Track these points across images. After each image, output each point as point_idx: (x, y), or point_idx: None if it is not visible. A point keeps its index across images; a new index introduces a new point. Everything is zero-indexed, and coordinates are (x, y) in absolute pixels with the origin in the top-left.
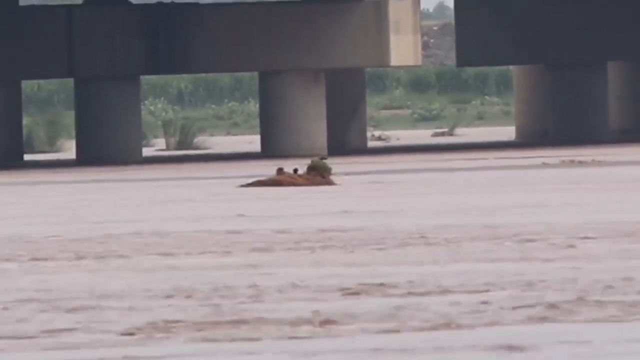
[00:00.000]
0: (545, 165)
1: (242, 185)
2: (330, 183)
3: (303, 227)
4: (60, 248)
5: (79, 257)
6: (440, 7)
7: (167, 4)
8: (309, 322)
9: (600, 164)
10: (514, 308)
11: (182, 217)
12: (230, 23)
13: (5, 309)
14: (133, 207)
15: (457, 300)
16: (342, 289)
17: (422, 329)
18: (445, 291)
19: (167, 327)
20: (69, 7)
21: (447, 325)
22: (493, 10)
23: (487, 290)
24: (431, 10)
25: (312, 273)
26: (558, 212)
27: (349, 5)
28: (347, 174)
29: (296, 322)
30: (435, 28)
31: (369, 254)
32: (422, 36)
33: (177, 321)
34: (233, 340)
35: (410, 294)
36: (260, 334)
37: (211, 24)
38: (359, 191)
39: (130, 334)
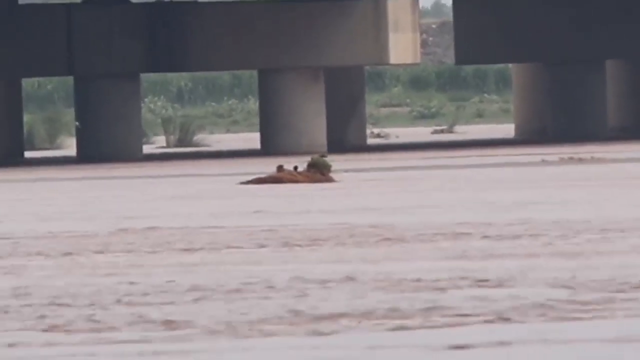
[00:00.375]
0: (544, 162)
1: (242, 183)
2: (330, 180)
3: (327, 223)
4: (79, 244)
5: (101, 252)
6: (437, 5)
7: (166, 2)
8: (385, 316)
9: (599, 161)
10: (591, 303)
11: (194, 213)
12: (229, 21)
13: (58, 304)
14: (139, 204)
15: (522, 295)
16: (407, 283)
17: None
18: (511, 285)
19: (244, 323)
20: (69, 6)
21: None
22: (491, 8)
23: (554, 287)
24: (428, 8)
25: (364, 268)
26: (574, 207)
27: (348, 4)
28: (346, 171)
29: (374, 316)
30: (433, 26)
31: (407, 248)
32: (421, 34)
33: (251, 317)
34: (318, 335)
35: (493, 286)
36: (347, 328)
37: (210, 22)
38: (365, 188)
39: (212, 331)
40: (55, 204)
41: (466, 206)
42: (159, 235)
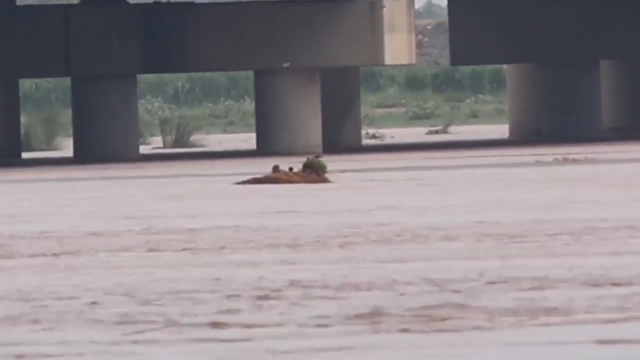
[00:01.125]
0: (538, 162)
1: (239, 183)
2: (325, 181)
3: (362, 222)
4: (113, 243)
5: (150, 250)
6: (429, 6)
7: (163, 3)
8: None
9: (593, 161)
10: None
11: (213, 214)
12: (225, 22)
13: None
14: (149, 204)
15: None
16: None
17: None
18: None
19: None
20: (66, 7)
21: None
22: (486, 9)
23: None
24: (420, 8)
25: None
26: (567, 208)
27: (343, 5)
28: (342, 171)
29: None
30: (429, 27)
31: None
32: (416, 35)
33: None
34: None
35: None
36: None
37: (207, 23)
38: (361, 189)
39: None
40: (63, 203)
41: (493, 206)
42: (208, 235)
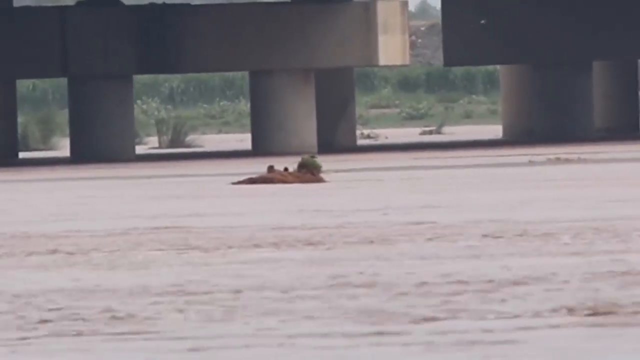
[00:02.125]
0: (531, 162)
1: (234, 183)
2: (320, 180)
3: (392, 221)
4: (153, 241)
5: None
6: (423, 7)
7: (159, 5)
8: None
9: (586, 161)
10: None
11: (229, 213)
12: (221, 23)
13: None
14: (150, 204)
15: None
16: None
17: None
18: None
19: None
20: (63, 8)
21: None
22: (480, 10)
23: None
24: (414, 9)
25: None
26: (562, 207)
27: (338, 6)
28: (337, 171)
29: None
30: (422, 28)
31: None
32: (410, 36)
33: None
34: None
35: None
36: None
37: (203, 24)
38: (360, 188)
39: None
40: (69, 203)
41: (497, 206)
42: (256, 234)
